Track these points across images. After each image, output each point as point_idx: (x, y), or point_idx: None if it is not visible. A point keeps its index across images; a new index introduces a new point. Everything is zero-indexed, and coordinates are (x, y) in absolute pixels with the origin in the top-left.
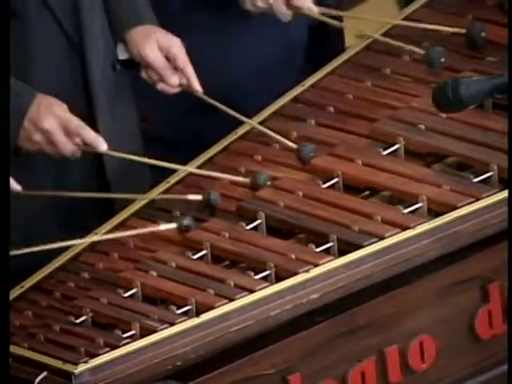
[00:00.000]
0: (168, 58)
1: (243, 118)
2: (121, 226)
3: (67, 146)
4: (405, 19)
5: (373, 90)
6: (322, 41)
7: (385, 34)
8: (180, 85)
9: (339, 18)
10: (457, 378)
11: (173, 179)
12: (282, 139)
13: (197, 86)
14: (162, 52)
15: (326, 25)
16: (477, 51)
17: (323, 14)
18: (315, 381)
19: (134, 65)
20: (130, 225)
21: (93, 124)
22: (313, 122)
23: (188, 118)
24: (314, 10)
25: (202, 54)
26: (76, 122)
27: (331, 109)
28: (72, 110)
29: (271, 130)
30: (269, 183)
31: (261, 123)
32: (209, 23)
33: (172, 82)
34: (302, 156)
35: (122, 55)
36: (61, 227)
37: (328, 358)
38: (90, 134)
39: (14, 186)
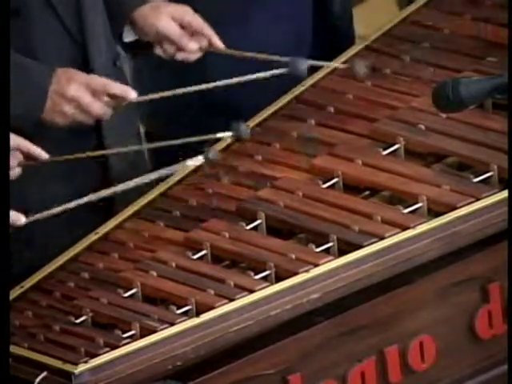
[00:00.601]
0: (183, 27)
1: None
2: (121, 226)
3: (98, 107)
4: (404, 19)
5: (373, 90)
6: (330, 30)
7: (385, 35)
8: (200, 48)
9: None
10: (457, 378)
11: (173, 179)
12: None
13: (218, 43)
14: (176, 21)
15: (333, 14)
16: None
17: None
18: (315, 381)
19: (140, 47)
20: (130, 225)
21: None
22: (313, 122)
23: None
24: None
25: None
26: (99, 80)
27: (331, 109)
28: None
29: (271, 129)
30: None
31: (261, 123)
32: (212, 11)
33: (191, 48)
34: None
35: (128, 37)
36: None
37: (328, 358)
38: (116, 86)
39: (19, 218)
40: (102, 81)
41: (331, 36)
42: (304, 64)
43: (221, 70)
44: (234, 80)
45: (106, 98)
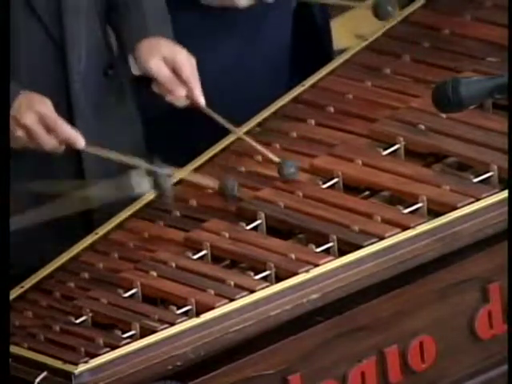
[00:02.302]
0: (174, 70)
1: (233, 128)
2: (121, 226)
3: (48, 141)
4: (404, 20)
5: (373, 90)
6: (308, 43)
7: (384, 35)
8: (187, 96)
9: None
10: (457, 378)
11: (173, 179)
12: (266, 152)
13: (199, 100)
14: (168, 64)
15: (313, 26)
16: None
17: None
18: (315, 381)
19: (148, 79)
20: (130, 225)
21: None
22: (313, 122)
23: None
24: None
25: None
26: (54, 118)
27: (331, 109)
28: (56, 111)
29: (271, 129)
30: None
31: (261, 123)
32: (189, 25)
33: (178, 94)
34: (283, 174)
35: (135, 70)
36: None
37: (328, 358)
38: (67, 131)
39: (79, 140)
40: (57, 120)
41: (312, 50)
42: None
43: None
44: None
45: (59, 136)
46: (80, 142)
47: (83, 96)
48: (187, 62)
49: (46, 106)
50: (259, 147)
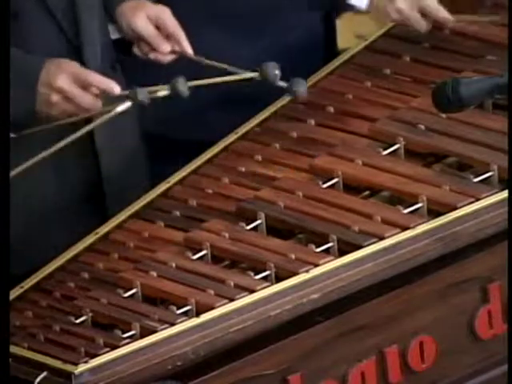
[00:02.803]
0: (158, 27)
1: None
2: (121, 226)
3: (85, 99)
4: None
5: (373, 90)
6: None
7: (384, 35)
8: (172, 51)
9: None
10: (457, 378)
11: (173, 179)
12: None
13: (188, 49)
14: (151, 21)
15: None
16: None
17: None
18: (315, 381)
19: (126, 45)
20: (130, 225)
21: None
22: (313, 122)
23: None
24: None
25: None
26: (85, 73)
27: (331, 109)
28: None
29: (271, 129)
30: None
31: (261, 123)
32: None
33: (163, 49)
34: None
35: (113, 35)
36: (60, 227)
37: (328, 358)
38: (101, 80)
39: (115, 87)
40: (88, 73)
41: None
42: (273, 71)
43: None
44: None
45: (94, 90)
46: (116, 88)
47: None
48: (171, 18)
49: (74, 66)
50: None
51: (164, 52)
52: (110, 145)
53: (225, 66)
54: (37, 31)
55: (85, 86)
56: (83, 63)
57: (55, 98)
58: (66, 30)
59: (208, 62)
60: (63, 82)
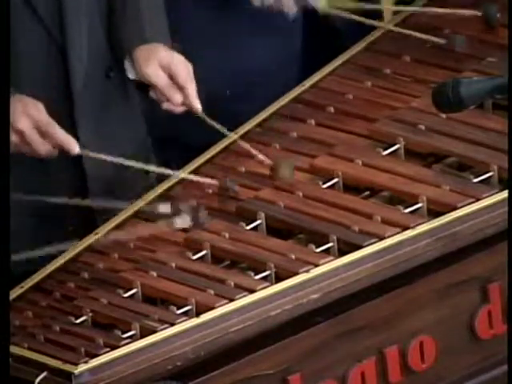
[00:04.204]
0: (171, 76)
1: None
2: (121, 226)
3: (42, 146)
4: (404, 20)
5: (373, 90)
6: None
7: (384, 35)
8: (183, 103)
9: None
10: (457, 378)
11: (173, 179)
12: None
13: (196, 106)
14: (164, 70)
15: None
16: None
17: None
18: (315, 381)
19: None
20: (130, 225)
21: (75, 128)
22: (313, 122)
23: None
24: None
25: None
26: (47, 122)
27: (331, 109)
28: (53, 113)
29: (271, 129)
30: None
31: (261, 123)
32: (207, 28)
33: (175, 101)
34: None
35: (131, 75)
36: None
37: (328, 358)
38: (61, 135)
39: (73, 145)
40: (51, 124)
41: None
42: None
43: None
44: None
45: (53, 141)
46: (73, 146)
47: (85, 98)
48: (183, 67)
49: (39, 111)
50: (254, 151)
51: (177, 103)
52: (103, 152)
53: (226, 131)
54: (24, 34)
55: (44, 134)
56: (67, 67)
57: (13, 137)
58: (53, 33)
59: (211, 121)
60: (24, 125)
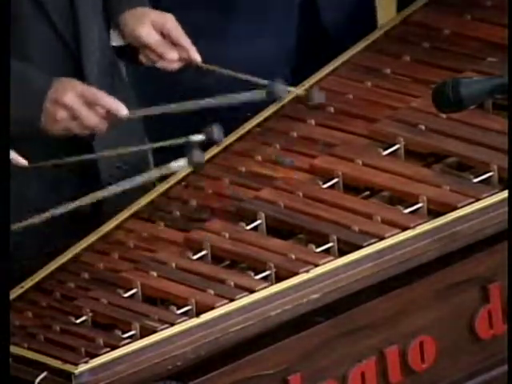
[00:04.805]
0: (163, 35)
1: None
2: (121, 226)
3: (90, 118)
4: (404, 20)
5: (373, 90)
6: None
7: (384, 35)
8: (179, 59)
9: None
10: (457, 378)
11: (173, 179)
12: None
13: (196, 56)
14: (156, 29)
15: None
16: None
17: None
18: (315, 381)
19: (128, 52)
20: (130, 225)
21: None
22: (313, 122)
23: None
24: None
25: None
26: (93, 91)
27: (331, 109)
28: None
29: (271, 129)
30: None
31: (261, 123)
32: (201, 23)
33: (170, 57)
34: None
35: (116, 42)
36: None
37: (328, 358)
38: (108, 101)
39: (20, 160)
40: (96, 93)
41: (320, 43)
42: (282, 89)
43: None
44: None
45: (100, 111)
46: (122, 109)
47: None
48: (176, 25)
49: (82, 85)
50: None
51: (171, 60)
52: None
53: (233, 73)
54: (35, 35)
55: (91, 105)
56: (80, 69)
57: (61, 114)
58: (64, 35)
59: (216, 68)
60: (71, 99)
